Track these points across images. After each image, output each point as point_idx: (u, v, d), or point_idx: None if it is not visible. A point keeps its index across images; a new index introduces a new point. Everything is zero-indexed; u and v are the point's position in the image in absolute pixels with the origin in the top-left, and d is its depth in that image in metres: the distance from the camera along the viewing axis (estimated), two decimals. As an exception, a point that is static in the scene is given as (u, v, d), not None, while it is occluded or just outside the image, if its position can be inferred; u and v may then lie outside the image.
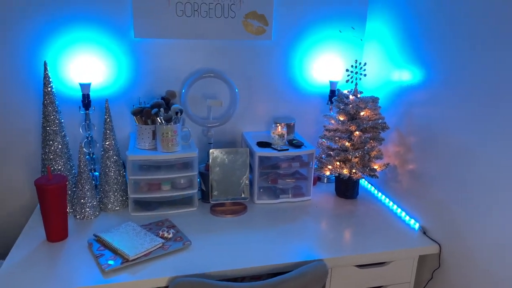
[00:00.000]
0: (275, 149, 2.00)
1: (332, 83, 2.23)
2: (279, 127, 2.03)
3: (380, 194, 2.14)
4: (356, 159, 1.99)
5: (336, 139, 2.02)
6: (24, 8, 1.83)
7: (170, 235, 1.67)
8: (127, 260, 1.50)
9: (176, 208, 1.92)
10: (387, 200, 2.06)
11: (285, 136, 2.05)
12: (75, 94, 1.97)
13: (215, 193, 1.94)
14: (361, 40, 2.28)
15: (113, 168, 1.88)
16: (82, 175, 1.79)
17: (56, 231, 1.65)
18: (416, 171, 1.87)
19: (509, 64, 1.35)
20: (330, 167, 2.04)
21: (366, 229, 1.82)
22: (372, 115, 1.98)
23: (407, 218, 1.89)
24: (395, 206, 1.99)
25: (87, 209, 1.82)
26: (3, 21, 1.83)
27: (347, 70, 2.06)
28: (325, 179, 2.31)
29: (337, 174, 2.05)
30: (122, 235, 1.65)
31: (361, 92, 2.04)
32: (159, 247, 1.59)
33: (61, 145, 1.83)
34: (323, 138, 2.09)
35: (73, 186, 1.87)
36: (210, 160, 1.93)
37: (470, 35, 1.51)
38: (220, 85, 2.16)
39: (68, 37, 1.92)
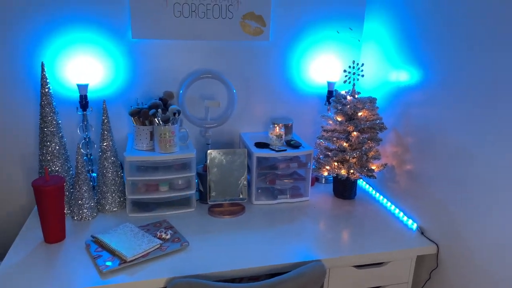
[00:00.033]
0: (273, 149, 2.00)
1: (329, 84, 2.23)
2: (277, 127, 2.03)
3: (378, 194, 2.14)
4: (354, 160, 1.99)
5: (334, 140, 2.02)
6: (22, 9, 1.83)
7: (168, 236, 1.66)
8: (125, 261, 1.50)
9: (174, 209, 1.92)
10: (385, 200, 2.07)
11: (283, 136, 2.05)
12: (72, 95, 1.97)
13: (213, 194, 1.94)
14: (359, 40, 2.28)
15: (110, 169, 1.88)
16: (80, 176, 1.79)
17: (53, 233, 1.65)
18: (414, 172, 1.87)
19: (506, 65, 1.35)
20: (328, 167, 2.04)
21: (364, 229, 1.82)
22: (370, 115, 1.98)
23: (405, 218, 1.89)
24: (393, 207, 2.00)
25: (85, 210, 1.81)
26: (1, 22, 1.82)
27: (344, 71, 2.06)
28: (323, 179, 2.31)
29: (335, 175, 2.05)
30: (120, 236, 1.65)
31: (358, 93, 2.04)
32: (157, 248, 1.59)
33: (58, 146, 1.83)
34: (321, 139, 2.09)
35: (71, 187, 1.87)
36: (208, 161, 1.93)
37: (468, 36, 1.51)
38: (218, 86, 2.16)
39: (65, 38, 1.91)
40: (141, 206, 1.91)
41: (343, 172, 2.00)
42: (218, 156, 1.94)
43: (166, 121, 1.85)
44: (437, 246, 1.72)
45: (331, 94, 2.22)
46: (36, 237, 1.67)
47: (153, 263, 1.52)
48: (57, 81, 1.95)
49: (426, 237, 1.76)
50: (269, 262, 1.56)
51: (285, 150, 2.01)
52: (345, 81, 2.06)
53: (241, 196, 1.98)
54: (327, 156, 2.05)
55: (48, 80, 1.80)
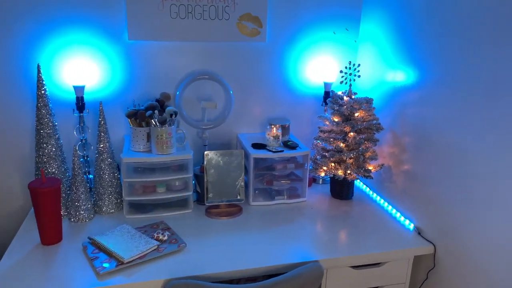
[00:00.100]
0: (270, 150, 2.00)
1: (326, 85, 2.23)
2: (274, 128, 2.03)
3: (375, 195, 2.14)
4: (351, 160, 2.00)
5: (331, 140, 2.02)
6: (18, 11, 1.82)
7: (165, 238, 1.66)
8: (122, 263, 1.49)
9: (171, 210, 1.92)
10: (382, 201, 2.07)
11: (280, 137, 2.05)
12: (69, 97, 1.97)
13: (210, 195, 1.94)
14: (355, 41, 2.28)
15: (107, 170, 1.87)
16: (76, 178, 1.78)
17: (50, 234, 1.64)
18: (411, 172, 1.88)
19: (502, 64, 1.36)
20: (325, 168, 2.04)
21: (361, 230, 1.82)
22: (367, 116, 1.98)
23: (402, 218, 1.89)
24: (390, 207, 2.00)
25: (82, 212, 1.81)
26: (-4, 24, 1.83)
27: (341, 72, 2.07)
28: (320, 180, 2.31)
29: (332, 175, 2.05)
30: (117, 237, 1.64)
31: (355, 93, 2.04)
32: (154, 249, 1.59)
33: (55, 148, 1.82)
34: (318, 139, 2.10)
35: (68, 189, 1.87)
36: (205, 162, 1.93)
37: (463, 36, 1.52)
38: (215, 87, 2.16)
39: (62, 40, 1.91)
40: (138, 207, 1.91)
41: (340, 172, 2.00)
42: (215, 157, 1.94)
43: (163, 123, 1.85)
44: (434, 246, 1.72)
45: (327, 94, 2.23)
46: (32, 239, 1.67)
47: (150, 265, 1.52)
48: (54, 83, 1.95)
49: (423, 237, 1.77)
50: (267, 263, 1.56)
51: (282, 151, 2.01)
52: (341, 82, 2.06)
53: (238, 197, 1.98)
54: (324, 156, 2.05)
55: (44, 82, 1.80)
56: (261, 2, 2.06)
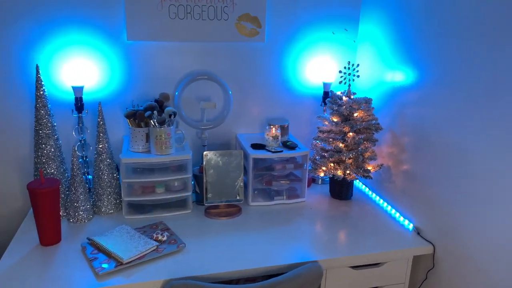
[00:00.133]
0: (269, 151, 2.00)
1: (325, 85, 2.23)
2: (273, 129, 2.03)
3: (374, 195, 2.14)
4: (350, 160, 2.00)
5: (330, 141, 2.02)
6: (16, 11, 1.82)
7: (164, 238, 1.66)
8: (121, 264, 1.49)
9: (170, 210, 1.91)
10: (381, 201, 2.07)
11: (279, 137, 2.05)
12: (67, 97, 1.97)
13: (209, 195, 1.94)
14: (354, 41, 2.28)
15: (106, 171, 1.87)
16: (75, 179, 1.78)
17: (49, 235, 1.64)
18: (410, 172, 1.88)
19: (502, 64, 1.36)
20: (324, 168, 2.04)
21: (360, 230, 1.82)
22: (366, 116, 1.98)
23: (401, 218, 1.89)
24: (389, 207, 2.00)
25: (81, 213, 1.81)
26: (-5, 24, 1.83)
27: (340, 72, 2.07)
28: (320, 180, 2.31)
29: (331, 176, 2.05)
30: (116, 238, 1.64)
31: (354, 93, 2.04)
32: (153, 250, 1.58)
33: (53, 149, 1.82)
34: (317, 140, 2.10)
35: (66, 189, 1.86)
36: (204, 163, 1.93)
37: (462, 36, 1.52)
38: (214, 87, 2.16)
39: (60, 40, 1.91)
40: (137, 208, 1.91)
41: (339, 173, 2.00)
42: (214, 158, 1.94)
43: (162, 123, 1.85)
44: (434, 246, 1.72)
45: (326, 95, 2.23)
46: (31, 240, 1.66)
47: (150, 265, 1.52)
48: (52, 83, 1.94)
49: (422, 237, 1.77)
50: (266, 263, 1.56)
51: (281, 151, 2.01)
52: (340, 82, 2.06)
53: (237, 198, 1.98)
54: (323, 157, 2.05)
55: (43, 83, 1.80)
56: (260, 2, 2.06)
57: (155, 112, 1.85)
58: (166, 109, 1.88)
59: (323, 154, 2.06)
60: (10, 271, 1.47)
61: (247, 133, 2.28)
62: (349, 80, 2.06)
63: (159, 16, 1.96)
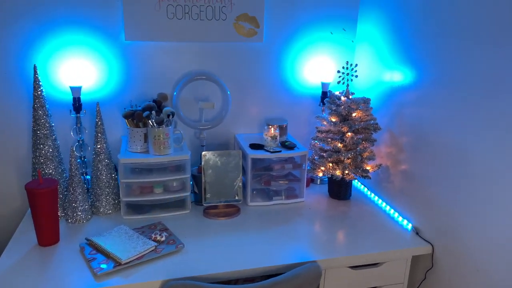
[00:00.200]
0: (268, 151, 2.00)
1: (324, 85, 2.23)
2: (272, 129, 2.03)
3: (373, 195, 2.14)
4: (349, 160, 2.00)
5: (329, 141, 2.02)
6: (14, 11, 1.82)
7: (163, 238, 1.66)
8: (120, 264, 1.49)
9: (168, 211, 1.91)
10: (380, 201, 2.07)
11: (278, 137, 2.05)
12: (65, 98, 1.96)
13: (208, 195, 1.94)
14: (352, 41, 2.28)
15: (104, 171, 1.87)
16: (74, 179, 1.78)
17: (47, 235, 1.64)
18: (408, 172, 1.88)
19: (500, 64, 1.36)
20: (322, 168, 2.04)
21: (359, 230, 1.82)
22: (364, 116, 1.99)
23: (400, 218, 1.89)
24: (388, 207, 2.00)
25: (79, 213, 1.80)
26: (-8, 24, 1.82)
27: (338, 72, 2.07)
28: (318, 180, 2.31)
29: (330, 176, 2.05)
30: (114, 238, 1.64)
31: (352, 93, 2.04)
32: (152, 250, 1.58)
33: (51, 149, 1.82)
34: (316, 140, 2.09)
35: (65, 190, 1.86)
36: (203, 163, 1.93)
37: (460, 36, 1.52)
38: (212, 88, 2.15)
39: (58, 40, 1.90)
40: (135, 208, 1.90)
41: (338, 173, 2.00)
42: (212, 158, 1.94)
43: (160, 123, 1.85)
44: (432, 246, 1.72)
45: (325, 95, 2.23)
46: (29, 240, 1.66)
47: (148, 266, 1.51)
48: (50, 83, 1.94)
49: (421, 237, 1.77)
50: (265, 263, 1.55)
51: (280, 151, 2.01)
52: (339, 82, 2.06)
53: (236, 198, 1.97)
54: (322, 157, 2.05)
55: (40, 83, 1.79)
56: (258, 2, 2.06)
57: (153, 112, 1.85)
58: (164, 109, 1.87)
59: (322, 154, 2.06)
60: (8, 272, 1.46)
61: (246, 133, 2.27)
62: (348, 80, 2.06)
63: (157, 16, 1.96)
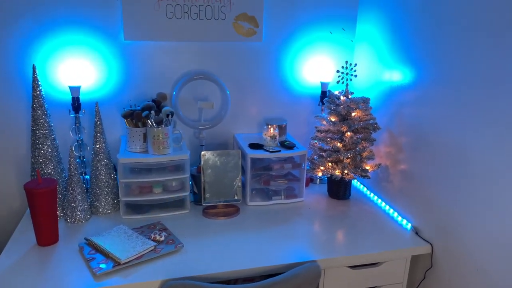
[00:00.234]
0: (267, 150, 2.00)
1: (323, 84, 2.23)
2: (271, 128, 2.03)
3: (372, 194, 2.14)
4: (348, 160, 1.99)
5: (328, 140, 2.02)
6: (12, 11, 1.81)
7: (162, 238, 1.66)
8: (119, 264, 1.49)
9: (168, 210, 1.91)
10: (379, 200, 2.07)
11: (277, 137, 2.05)
12: (64, 97, 1.96)
13: (207, 195, 1.94)
14: (352, 41, 2.28)
15: (104, 171, 1.87)
16: (73, 179, 1.78)
17: (46, 235, 1.63)
18: (408, 171, 1.88)
19: (499, 63, 1.36)
20: (322, 168, 2.04)
21: (358, 230, 1.82)
22: (363, 115, 1.98)
23: (399, 218, 1.89)
24: (387, 207, 2.00)
25: (78, 213, 1.80)
26: (-9, 24, 1.82)
27: (338, 71, 2.07)
28: (318, 180, 2.31)
29: (329, 175, 2.05)
30: (113, 238, 1.64)
31: (352, 93, 2.04)
32: (151, 250, 1.58)
33: (50, 149, 1.82)
34: (315, 139, 2.09)
35: (64, 189, 1.86)
36: (202, 162, 1.93)
37: (459, 35, 1.52)
38: (211, 87, 2.15)
39: (57, 40, 1.90)
40: (135, 208, 1.90)
41: (337, 172, 2.00)
42: (212, 158, 1.94)
43: (159, 123, 1.84)
44: (432, 246, 1.72)
45: (324, 94, 2.22)
46: (28, 240, 1.66)
47: (147, 265, 1.51)
48: (49, 83, 1.94)
49: (421, 237, 1.77)
50: (264, 263, 1.55)
51: (279, 151, 2.00)
52: (338, 82, 2.06)
53: (235, 197, 1.97)
54: (321, 156, 2.05)
55: (39, 83, 1.79)
56: (257, 2, 2.06)
57: (152, 112, 1.85)
58: (164, 109, 1.87)
59: (321, 153, 2.06)
60: (7, 272, 1.46)
61: (245, 133, 2.27)
62: (347, 79, 2.06)
63: (156, 16, 1.96)
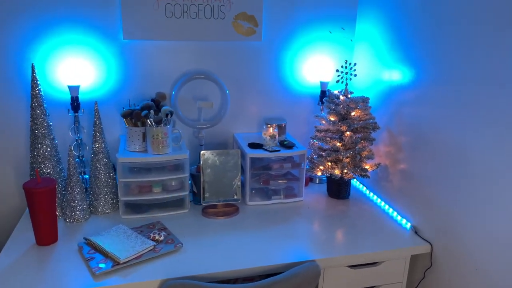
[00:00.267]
0: (267, 150, 2.00)
1: (322, 84, 2.23)
2: (270, 128, 2.03)
3: (371, 194, 2.14)
4: (348, 159, 1.99)
5: (327, 140, 2.02)
6: (12, 10, 1.81)
7: (162, 238, 1.65)
8: (118, 263, 1.48)
9: (167, 210, 1.91)
10: (379, 200, 2.07)
11: (277, 137, 2.04)
12: (64, 97, 1.96)
13: (206, 194, 1.93)
14: (351, 40, 2.28)
15: (103, 170, 1.86)
16: (72, 178, 1.77)
17: (45, 235, 1.63)
18: (407, 171, 1.88)
19: (498, 63, 1.36)
20: (321, 167, 2.04)
21: (358, 229, 1.82)
22: (363, 115, 1.98)
23: (399, 218, 1.89)
24: (386, 206, 2.00)
25: (77, 212, 1.80)
26: (-10, 23, 1.81)
27: (337, 71, 2.06)
28: (317, 179, 2.31)
29: (328, 175, 2.05)
30: (112, 238, 1.63)
31: (351, 92, 2.04)
32: (151, 249, 1.58)
33: (50, 148, 1.81)
34: (314, 139, 2.09)
35: (63, 189, 1.86)
36: (202, 162, 1.92)
37: (459, 34, 1.52)
38: (211, 87, 2.15)
39: (56, 39, 1.90)
40: (134, 207, 1.90)
41: (336, 172, 2.00)
42: (211, 157, 1.94)
43: (158, 122, 1.84)
44: (431, 245, 1.72)
45: (324, 94, 2.22)
46: (28, 240, 1.65)
47: (147, 265, 1.51)
48: (48, 82, 1.93)
49: (420, 237, 1.77)
50: (264, 262, 1.55)
51: (278, 150, 2.00)
52: (337, 81, 2.06)
53: (235, 197, 1.97)
54: (321, 156, 2.05)
55: (38, 82, 1.79)
56: (257, 1, 2.06)
57: (151, 111, 1.84)
58: (163, 109, 1.87)
59: (321, 153, 2.06)
60: (6, 271, 1.46)
61: (244, 132, 2.27)
62: (346, 79, 2.05)
63: (155, 15, 1.96)
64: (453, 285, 1.63)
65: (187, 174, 1.90)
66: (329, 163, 2.02)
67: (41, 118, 1.79)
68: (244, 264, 1.54)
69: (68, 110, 1.93)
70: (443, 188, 1.65)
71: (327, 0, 2.18)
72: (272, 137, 2.02)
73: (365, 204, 2.06)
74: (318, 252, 1.62)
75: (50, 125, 1.83)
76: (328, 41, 2.25)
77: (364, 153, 2.01)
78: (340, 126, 1.97)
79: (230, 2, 2.03)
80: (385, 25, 1.98)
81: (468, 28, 1.47)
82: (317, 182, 2.31)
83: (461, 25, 1.50)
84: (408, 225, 1.83)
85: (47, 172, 1.81)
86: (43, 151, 1.80)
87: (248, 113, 2.26)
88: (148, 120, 1.83)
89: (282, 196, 2.06)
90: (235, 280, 1.63)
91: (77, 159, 1.98)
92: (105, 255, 1.54)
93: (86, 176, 2.02)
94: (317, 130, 2.08)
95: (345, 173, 2.00)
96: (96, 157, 1.85)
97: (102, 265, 1.48)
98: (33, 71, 1.77)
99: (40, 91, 1.79)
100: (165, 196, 1.90)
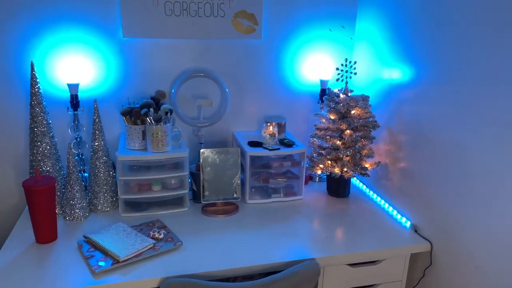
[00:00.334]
0: (267, 148, 2.00)
1: (322, 82, 2.23)
2: (270, 126, 2.03)
3: (371, 192, 2.14)
4: (347, 158, 1.99)
5: (327, 138, 2.02)
6: (11, 8, 1.81)
7: (161, 236, 1.65)
8: (118, 261, 1.48)
9: (167, 208, 1.91)
10: (379, 198, 2.07)
11: (276, 135, 2.04)
12: (63, 95, 1.95)
13: (206, 193, 1.93)
14: (351, 39, 2.28)
15: (102, 168, 1.86)
16: (71, 176, 1.77)
17: (45, 233, 1.63)
18: (407, 169, 1.88)
19: (497, 62, 1.36)
20: (321, 166, 2.04)
21: (358, 227, 1.82)
22: (363, 113, 1.98)
23: (399, 216, 1.89)
24: (386, 205, 2.00)
25: (77, 210, 1.80)
26: (-11, 21, 1.81)
27: (337, 69, 2.06)
28: (317, 178, 2.31)
29: (328, 173, 2.05)
30: (112, 236, 1.63)
31: (351, 91, 2.04)
32: (150, 247, 1.58)
33: (49, 146, 1.81)
34: (314, 137, 2.09)
35: (62, 187, 1.85)
36: (201, 160, 1.92)
37: (458, 34, 1.51)
38: (210, 85, 2.15)
39: (55, 37, 1.90)
40: (133, 205, 1.90)
41: (336, 170, 2.00)
42: (211, 155, 1.93)
43: (158, 121, 1.84)
44: (431, 244, 1.72)
45: (324, 92, 2.22)
46: (27, 238, 1.65)
47: (146, 263, 1.51)
48: (47, 80, 1.93)
49: (420, 235, 1.77)
50: (263, 261, 1.55)
51: (278, 148, 2.00)
52: (337, 79, 2.06)
53: (234, 195, 1.97)
54: (321, 154, 2.05)
55: (38, 80, 1.78)
56: (257, -1, 2.06)
57: (151, 109, 1.84)
58: (163, 107, 1.87)
59: (320, 151, 2.06)
60: (5, 269, 1.46)
61: (244, 130, 2.27)
62: (346, 77, 2.05)
63: (155, 13, 1.95)
64: (453, 283, 1.63)
65: (186, 172, 1.90)
66: (329, 162, 2.02)
67: (41, 116, 1.79)
68: (244, 263, 1.54)
69: (68, 108, 1.92)
70: (443, 186, 1.65)
71: (327, -2, 2.18)
72: (272, 135, 2.02)
73: (365, 202, 2.06)
74: (318, 251, 1.62)
75: (50, 123, 1.83)
76: (328, 40, 2.25)
77: (364, 152, 2.00)
78: (340, 125, 1.97)
79: (230, 0, 2.02)
80: (385, 23, 1.98)
81: (468, 27, 1.47)
82: (317, 180, 2.31)
83: (461, 24, 1.50)
84: (408, 224, 1.83)
85: (46, 170, 1.81)
86: (42, 149, 1.80)
87: (248, 111, 2.26)
88: (147, 118, 1.83)
89: (281, 195, 2.05)
90: (234, 279, 1.63)
91: (76, 157, 1.98)
92: (105, 253, 1.54)
93: (86, 174, 2.02)
94: (317, 129, 2.08)
95: (345, 171, 2.00)
96: (96, 155, 1.85)
97: (101, 263, 1.48)
98: (32, 69, 1.77)
99: (40, 89, 1.79)
100: (165, 194, 1.90)
